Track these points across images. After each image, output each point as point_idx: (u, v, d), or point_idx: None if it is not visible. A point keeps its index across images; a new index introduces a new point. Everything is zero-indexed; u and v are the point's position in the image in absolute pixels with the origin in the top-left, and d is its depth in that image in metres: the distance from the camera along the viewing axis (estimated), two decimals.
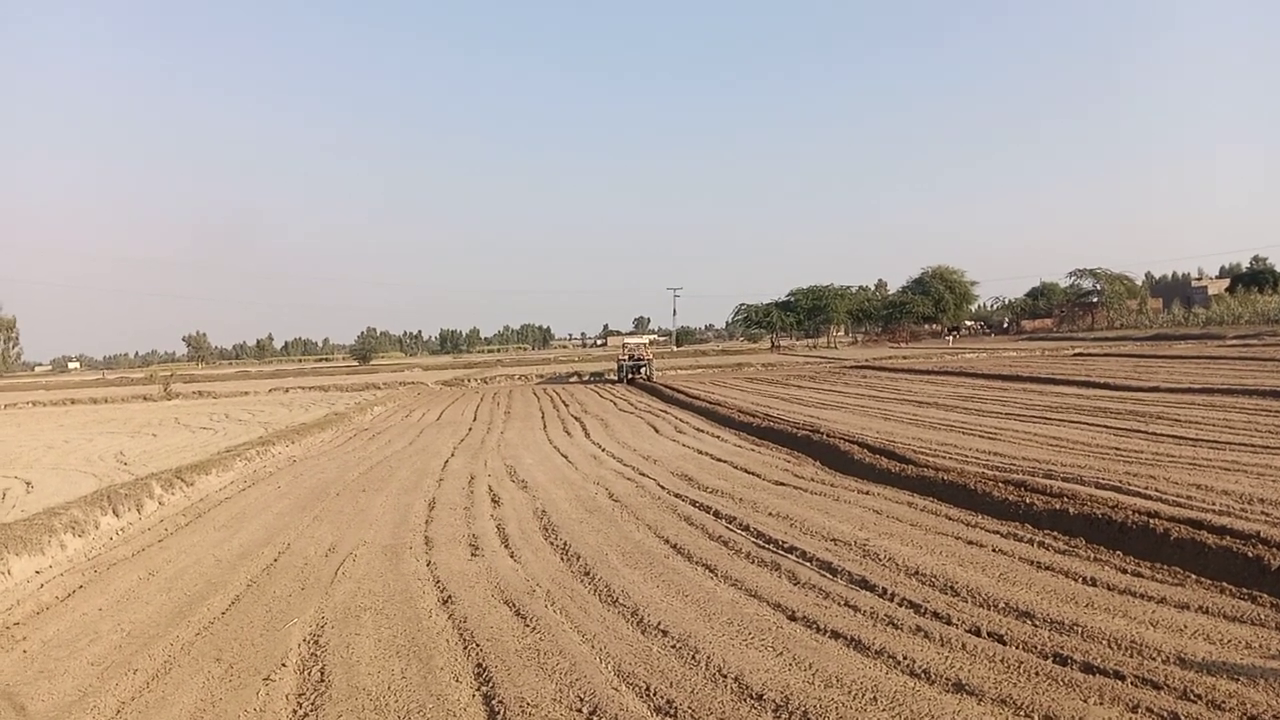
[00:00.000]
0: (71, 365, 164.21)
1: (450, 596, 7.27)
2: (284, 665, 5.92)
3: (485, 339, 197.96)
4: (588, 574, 7.72)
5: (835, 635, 5.81)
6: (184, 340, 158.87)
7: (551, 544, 8.99)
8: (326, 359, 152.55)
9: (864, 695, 4.85)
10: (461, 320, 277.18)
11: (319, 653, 6.14)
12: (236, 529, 10.65)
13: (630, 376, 39.17)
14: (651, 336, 45.89)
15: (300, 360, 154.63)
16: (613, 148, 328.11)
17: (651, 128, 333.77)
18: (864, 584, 6.84)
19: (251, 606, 7.39)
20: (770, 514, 9.56)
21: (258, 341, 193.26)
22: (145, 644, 6.57)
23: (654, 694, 5.06)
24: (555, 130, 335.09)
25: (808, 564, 7.50)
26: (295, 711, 5.18)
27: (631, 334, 52.26)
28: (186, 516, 11.60)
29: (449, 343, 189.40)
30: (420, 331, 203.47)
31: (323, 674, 5.73)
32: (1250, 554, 6.46)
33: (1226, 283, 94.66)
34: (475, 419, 24.72)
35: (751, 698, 4.92)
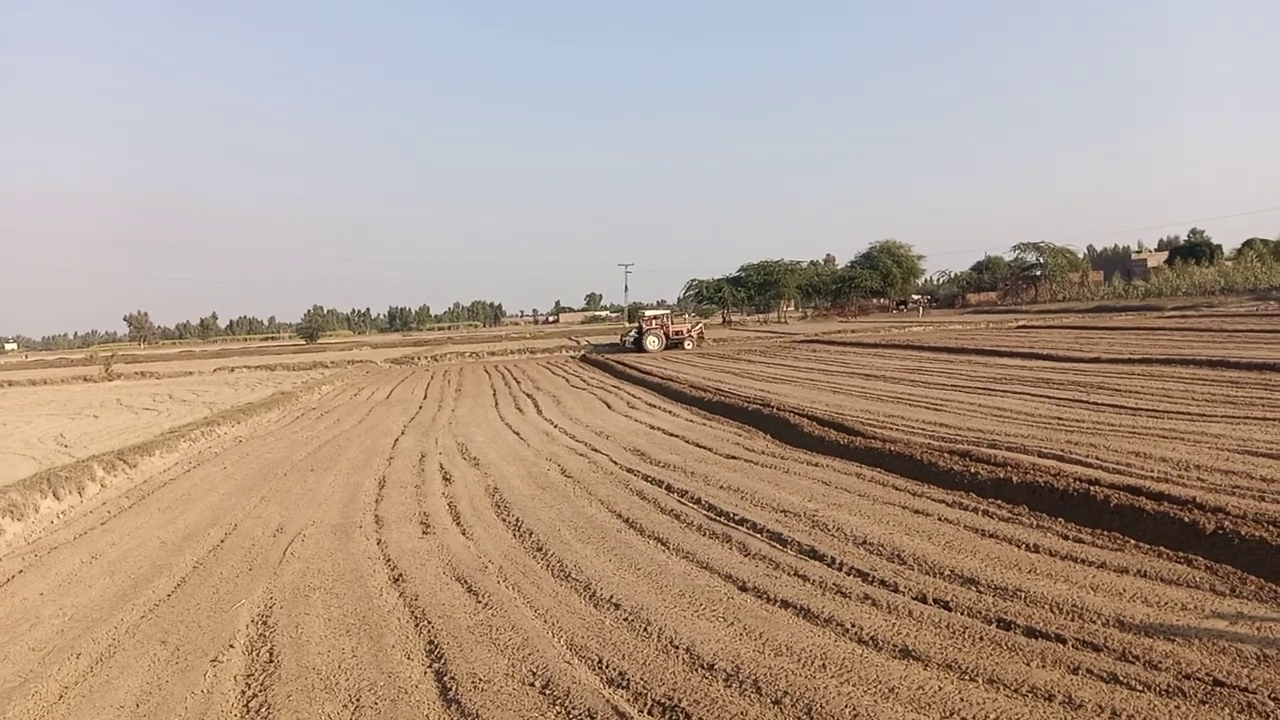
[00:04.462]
0: (9, 346, 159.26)
1: (401, 575, 7.23)
2: (232, 646, 5.85)
3: (435, 316, 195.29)
4: (540, 550, 7.72)
5: (785, 605, 5.89)
6: (125, 320, 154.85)
7: (504, 520, 8.96)
8: (273, 338, 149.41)
9: (813, 663, 4.93)
10: (411, 298, 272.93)
11: (268, 633, 6.08)
12: (182, 510, 10.45)
13: (632, 342, 41.11)
14: (666, 310, 46.27)
15: (246, 339, 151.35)
16: (565, 123, 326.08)
17: (605, 103, 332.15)
18: (813, 554, 6.94)
19: (198, 588, 7.28)
20: (721, 487, 9.64)
21: (201, 320, 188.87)
22: (88, 628, 6.44)
23: (606, 666, 5.09)
24: (507, 104, 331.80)
25: (758, 535, 7.59)
26: (244, 692, 5.12)
27: (653, 307, 53.81)
28: (130, 499, 11.35)
29: (398, 320, 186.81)
30: (369, 309, 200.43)
31: (272, 654, 5.67)
32: (1186, 519, 6.69)
33: (1165, 255, 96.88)
34: (426, 397, 24.49)
35: (703, 668, 4.98)
